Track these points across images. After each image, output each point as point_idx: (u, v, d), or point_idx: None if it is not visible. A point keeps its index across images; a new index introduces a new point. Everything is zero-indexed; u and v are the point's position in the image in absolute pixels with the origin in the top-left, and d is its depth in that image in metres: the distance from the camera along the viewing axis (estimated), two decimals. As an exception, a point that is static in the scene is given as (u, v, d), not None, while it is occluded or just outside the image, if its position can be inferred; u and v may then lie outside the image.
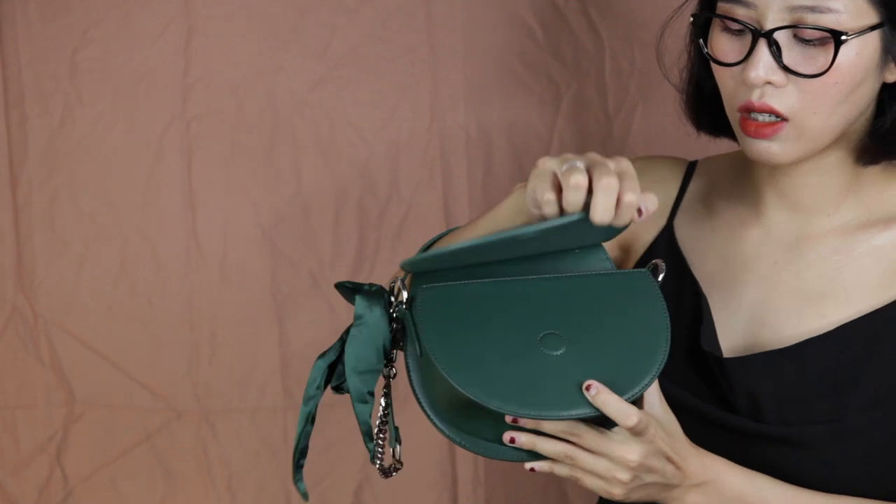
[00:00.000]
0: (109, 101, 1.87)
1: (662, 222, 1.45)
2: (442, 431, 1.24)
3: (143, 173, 1.88)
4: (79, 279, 1.89)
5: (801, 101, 1.27)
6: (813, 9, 1.24)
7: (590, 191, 1.18)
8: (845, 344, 1.33)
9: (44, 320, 1.90)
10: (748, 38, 1.27)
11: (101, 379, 1.91)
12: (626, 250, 1.47)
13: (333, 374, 1.26)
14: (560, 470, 1.24)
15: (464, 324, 1.22)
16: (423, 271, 1.27)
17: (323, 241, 1.90)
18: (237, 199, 1.89)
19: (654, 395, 1.23)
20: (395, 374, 1.27)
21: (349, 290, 1.26)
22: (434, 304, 1.23)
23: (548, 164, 1.21)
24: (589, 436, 1.21)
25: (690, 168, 1.47)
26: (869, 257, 1.34)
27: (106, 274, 1.89)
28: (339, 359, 1.25)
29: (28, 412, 1.91)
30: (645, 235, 1.46)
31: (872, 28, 1.26)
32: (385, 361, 1.25)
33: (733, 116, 1.31)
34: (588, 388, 1.18)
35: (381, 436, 1.27)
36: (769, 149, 1.29)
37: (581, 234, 1.23)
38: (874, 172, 1.35)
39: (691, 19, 1.34)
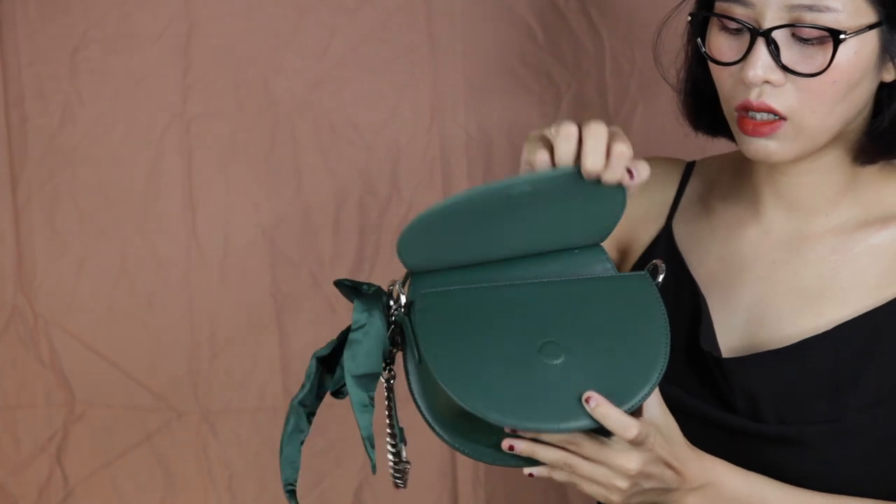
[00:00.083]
0: (109, 101, 1.87)
1: (661, 223, 1.45)
2: (441, 437, 1.24)
3: (143, 173, 1.88)
4: (79, 279, 1.89)
5: (799, 100, 1.27)
6: (811, 7, 1.24)
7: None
8: (844, 343, 1.33)
9: (44, 320, 1.90)
10: (746, 37, 1.27)
11: (101, 379, 1.91)
12: (624, 252, 1.47)
13: (330, 373, 1.26)
14: (559, 476, 1.24)
15: (462, 332, 1.21)
16: (421, 270, 1.26)
17: (323, 241, 1.90)
18: (237, 199, 1.89)
19: (653, 399, 1.23)
20: (394, 377, 1.27)
21: (348, 287, 1.26)
22: (433, 310, 1.22)
23: (538, 131, 1.22)
24: (588, 445, 1.21)
25: (689, 168, 1.47)
26: (867, 256, 1.34)
27: (106, 274, 1.89)
28: (336, 359, 1.25)
29: (28, 412, 1.92)
30: (643, 236, 1.46)
31: (871, 27, 1.26)
32: (384, 364, 1.25)
33: (731, 116, 1.31)
34: (588, 401, 1.17)
35: (394, 462, 1.27)
36: (767, 147, 1.29)
37: (577, 208, 1.22)
38: (872, 172, 1.35)
39: (689, 18, 1.34)
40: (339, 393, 1.26)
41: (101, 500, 1.93)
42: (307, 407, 1.26)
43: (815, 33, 1.25)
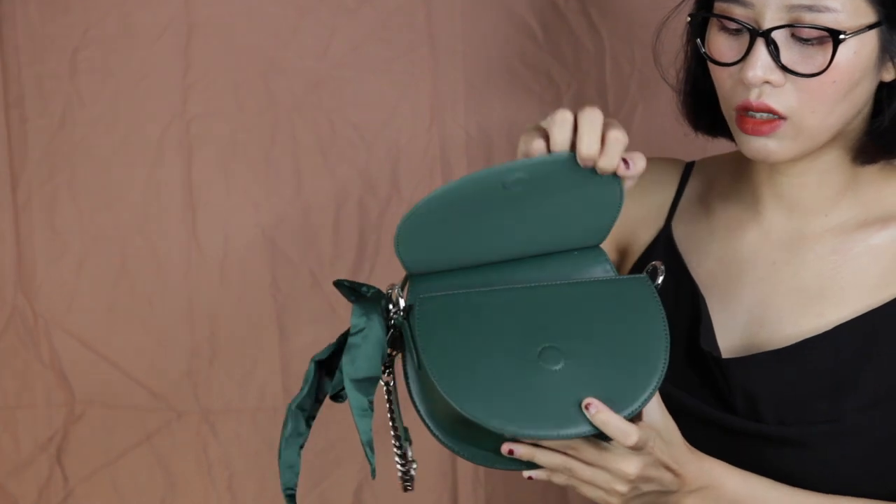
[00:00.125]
0: (109, 101, 1.87)
1: (660, 223, 1.45)
2: (440, 440, 1.24)
3: (143, 173, 1.88)
4: (79, 279, 1.89)
5: (799, 100, 1.27)
6: (811, 8, 1.24)
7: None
8: (844, 343, 1.32)
9: (44, 320, 1.90)
10: (746, 37, 1.27)
11: (101, 379, 1.91)
12: (623, 252, 1.47)
13: (329, 376, 1.26)
14: (558, 479, 1.24)
15: (462, 337, 1.21)
16: (420, 270, 1.26)
17: (323, 241, 1.90)
18: (237, 199, 1.89)
19: (652, 402, 1.22)
20: (394, 380, 1.27)
21: (347, 288, 1.25)
22: (432, 314, 1.22)
23: (534, 123, 1.23)
24: (587, 449, 1.21)
25: (688, 169, 1.47)
26: (867, 256, 1.34)
27: (106, 274, 1.89)
28: (335, 363, 1.25)
29: (28, 412, 1.91)
30: (643, 237, 1.46)
31: (870, 27, 1.26)
32: (383, 368, 1.25)
33: (730, 116, 1.31)
34: (588, 407, 1.17)
35: (401, 464, 1.27)
36: (766, 146, 1.29)
37: (574, 201, 1.22)
38: (872, 172, 1.35)
39: (688, 19, 1.34)
40: (338, 397, 1.26)
41: (101, 500, 1.93)
42: (306, 411, 1.25)
43: (815, 33, 1.25)
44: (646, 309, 1.24)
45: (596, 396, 1.18)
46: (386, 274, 1.87)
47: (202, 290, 1.90)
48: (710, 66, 1.31)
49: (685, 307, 1.38)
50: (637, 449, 1.20)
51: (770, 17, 1.25)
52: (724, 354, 1.35)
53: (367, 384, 1.22)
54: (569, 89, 1.88)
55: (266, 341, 1.91)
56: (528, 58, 1.87)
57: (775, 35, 1.25)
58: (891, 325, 1.32)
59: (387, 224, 1.90)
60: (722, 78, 1.30)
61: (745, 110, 1.28)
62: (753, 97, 1.27)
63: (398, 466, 1.26)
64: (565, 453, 1.22)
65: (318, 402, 1.26)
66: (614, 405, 1.18)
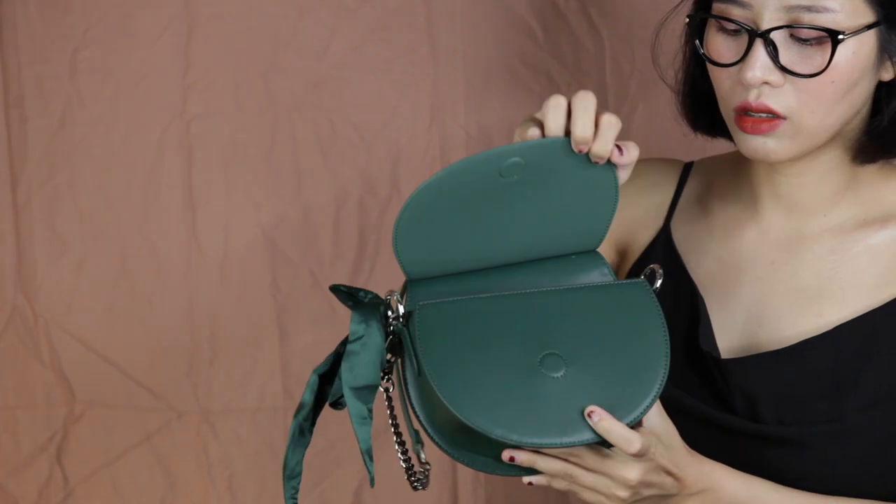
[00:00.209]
0: (109, 101, 1.87)
1: (659, 224, 1.45)
2: (440, 446, 1.23)
3: (143, 173, 1.88)
4: (79, 279, 1.89)
5: (798, 100, 1.27)
6: (809, 8, 1.24)
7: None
8: (844, 343, 1.32)
9: (44, 320, 1.90)
10: (744, 38, 1.27)
11: (101, 379, 1.91)
12: (622, 253, 1.47)
13: (329, 387, 1.26)
14: (558, 484, 1.24)
15: (462, 344, 1.20)
16: (418, 274, 1.26)
17: (323, 241, 1.90)
18: (237, 199, 1.89)
19: (653, 407, 1.22)
20: (393, 387, 1.26)
21: (344, 293, 1.25)
22: (432, 321, 1.21)
23: (528, 115, 1.23)
24: (588, 456, 1.22)
25: (686, 169, 1.47)
26: (866, 256, 1.34)
27: (106, 274, 1.89)
28: (334, 372, 1.25)
29: (28, 412, 1.91)
30: (642, 237, 1.46)
31: (869, 27, 1.26)
32: (382, 374, 1.24)
33: (729, 116, 1.31)
34: (590, 415, 1.17)
35: (407, 466, 1.27)
36: (765, 145, 1.28)
37: (570, 192, 1.22)
38: (871, 171, 1.35)
39: (687, 20, 1.34)
40: (337, 404, 1.26)
41: (101, 500, 1.93)
42: (308, 420, 1.26)
43: (814, 34, 1.25)
44: (645, 314, 1.23)
45: (598, 404, 1.18)
46: (386, 274, 1.87)
47: (202, 290, 1.90)
48: (709, 66, 1.31)
49: (684, 307, 1.38)
50: (639, 456, 1.20)
51: (768, 18, 1.25)
52: (724, 354, 1.35)
53: (366, 392, 1.21)
54: (569, 89, 1.87)
55: (266, 341, 1.91)
56: (528, 58, 1.87)
57: (774, 36, 1.25)
58: (891, 325, 1.32)
59: (387, 224, 1.90)
60: (721, 79, 1.30)
61: (744, 111, 1.28)
62: (752, 98, 1.27)
63: (404, 468, 1.26)
64: (566, 460, 1.22)
65: (318, 408, 1.26)
66: (616, 413, 1.18)
